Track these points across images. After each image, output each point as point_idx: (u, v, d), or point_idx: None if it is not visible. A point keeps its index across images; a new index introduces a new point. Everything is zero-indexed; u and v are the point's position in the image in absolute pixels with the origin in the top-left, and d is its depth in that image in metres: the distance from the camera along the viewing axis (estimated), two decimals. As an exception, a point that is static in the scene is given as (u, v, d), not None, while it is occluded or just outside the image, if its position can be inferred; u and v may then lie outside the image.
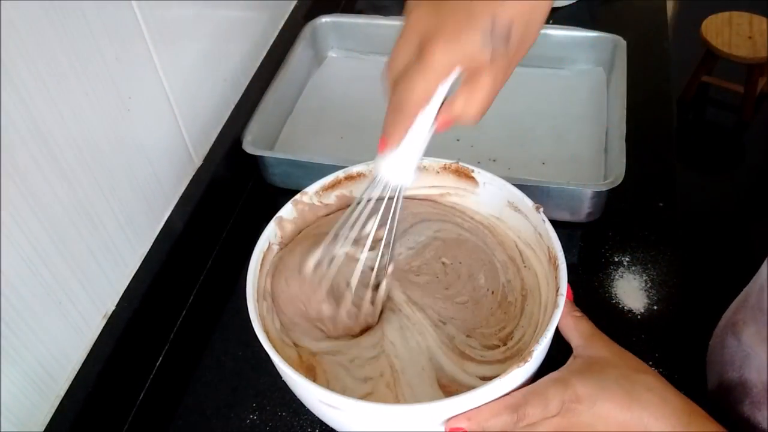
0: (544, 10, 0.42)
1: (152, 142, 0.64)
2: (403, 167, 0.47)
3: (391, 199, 0.50)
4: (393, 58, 0.43)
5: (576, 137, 0.80)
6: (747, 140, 2.17)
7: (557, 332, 0.49)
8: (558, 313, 0.47)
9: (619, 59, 0.82)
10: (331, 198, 0.60)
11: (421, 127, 0.44)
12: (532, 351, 0.45)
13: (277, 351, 0.48)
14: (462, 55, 0.40)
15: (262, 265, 0.55)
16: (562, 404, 0.44)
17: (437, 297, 0.55)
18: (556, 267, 0.51)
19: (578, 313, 0.50)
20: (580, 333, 0.48)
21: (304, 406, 0.59)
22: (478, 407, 0.45)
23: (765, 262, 0.53)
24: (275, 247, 0.58)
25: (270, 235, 0.57)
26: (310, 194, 0.59)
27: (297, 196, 0.59)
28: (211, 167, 0.73)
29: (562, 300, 0.48)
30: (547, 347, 0.48)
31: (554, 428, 0.45)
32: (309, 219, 0.60)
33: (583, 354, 0.47)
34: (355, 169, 0.59)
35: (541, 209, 0.54)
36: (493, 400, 0.45)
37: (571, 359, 0.47)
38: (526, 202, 0.55)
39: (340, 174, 0.59)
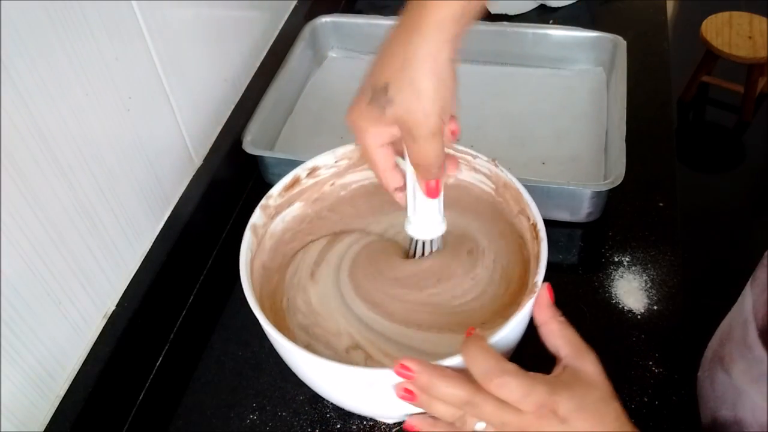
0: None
1: (152, 142, 0.64)
2: (425, 224, 0.54)
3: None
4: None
5: (576, 137, 0.80)
6: (747, 140, 2.17)
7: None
8: (532, 297, 0.46)
9: (619, 59, 0.82)
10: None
11: (411, 185, 0.51)
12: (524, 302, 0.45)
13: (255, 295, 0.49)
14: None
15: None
16: (540, 407, 0.41)
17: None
18: (536, 238, 0.50)
19: (562, 318, 0.47)
20: (567, 341, 0.45)
21: (304, 406, 0.59)
22: (440, 367, 0.42)
23: (748, 288, 0.51)
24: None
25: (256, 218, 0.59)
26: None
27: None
28: (211, 167, 0.73)
29: (541, 276, 0.47)
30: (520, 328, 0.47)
31: (522, 428, 0.41)
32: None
33: (573, 365, 0.44)
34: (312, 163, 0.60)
35: (496, 161, 0.57)
36: (457, 368, 0.42)
37: (560, 368, 0.44)
38: (482, 158, 0.57)
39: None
